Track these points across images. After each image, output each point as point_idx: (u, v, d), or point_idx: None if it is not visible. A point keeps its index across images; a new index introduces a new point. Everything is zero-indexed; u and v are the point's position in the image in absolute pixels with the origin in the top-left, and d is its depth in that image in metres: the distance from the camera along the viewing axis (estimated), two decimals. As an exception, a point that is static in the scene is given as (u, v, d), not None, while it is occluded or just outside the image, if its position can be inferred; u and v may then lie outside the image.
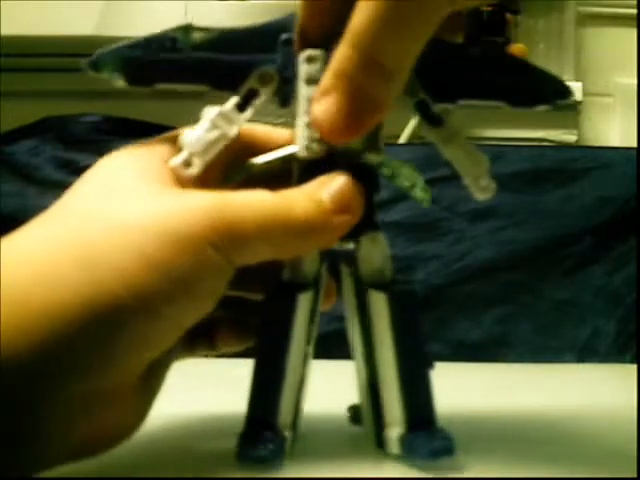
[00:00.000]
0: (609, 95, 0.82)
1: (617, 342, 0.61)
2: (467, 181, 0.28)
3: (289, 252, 0.25)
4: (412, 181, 0.29)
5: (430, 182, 0.30)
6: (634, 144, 0.70)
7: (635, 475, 0.24)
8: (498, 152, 0.65)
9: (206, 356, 0.30)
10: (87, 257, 0.21)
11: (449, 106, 0.28)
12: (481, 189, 0.27)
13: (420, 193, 0.29)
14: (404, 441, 0.25)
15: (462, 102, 0.28)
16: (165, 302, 0.22)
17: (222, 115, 0.26)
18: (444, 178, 0.58)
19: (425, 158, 0.62)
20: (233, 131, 0.26)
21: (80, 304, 0.20)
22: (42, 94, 0.75)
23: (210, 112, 0.26)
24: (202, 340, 0.29)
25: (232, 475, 0.25)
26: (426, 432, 0.25)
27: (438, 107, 0.27)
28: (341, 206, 0.24)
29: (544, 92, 0.28)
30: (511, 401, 0.39)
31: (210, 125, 0.25)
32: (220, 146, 0.26)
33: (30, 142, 0.66)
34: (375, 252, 0.26)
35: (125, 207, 0.22)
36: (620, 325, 0.62)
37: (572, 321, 0.62)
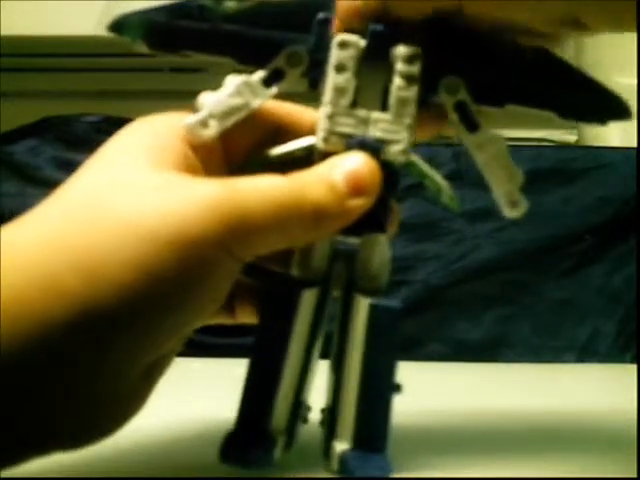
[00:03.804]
0: (609, 95, 0.82)
1: (617, 342, 0.61)
2: (496, 195, 0.26)
3: (303, 240, 0.24)
4: (437, 187, 0.28)
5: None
6: (634, 144, 0.70)
7: (635, 475, 0.24)
8: (498, 152, 0.64)
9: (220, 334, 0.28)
10: (83, 263, 0.20)
11: (492, 109, 0.26)
12: (511, 205, 0.26)
13: (446, 199, 0.28)
14: (343, 457, 0.24)
15: (508, 107, 0.26)
16: (164, 312, 0.21)
17: (247, 84, 0.24)
18: (444, 178, 0.58)
19: (425, 158, 0.62)
20: (256, 102, 0.24)
21: (72, 315, 0.19)
22: (42, 94, 0.75)
23: (234, 80, 0.25)
24: (221, 308, 0.26)
25: (229, 476, 0.25)
26: (368, 455, 0.24)
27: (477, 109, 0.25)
28: (356, 188, 0.23)
29: (601, 111, 0.27)
30: (511, 401, 0.39)
31: (234, 91, 0.24)
32: (241, 115, 0.24)
33: (30, 142, 0.65)
34: (374, 257, 0.25)
35: (127, 206, 0.21)
36: (620, 325, 0.61)
37: (572, 321, 0.62)
